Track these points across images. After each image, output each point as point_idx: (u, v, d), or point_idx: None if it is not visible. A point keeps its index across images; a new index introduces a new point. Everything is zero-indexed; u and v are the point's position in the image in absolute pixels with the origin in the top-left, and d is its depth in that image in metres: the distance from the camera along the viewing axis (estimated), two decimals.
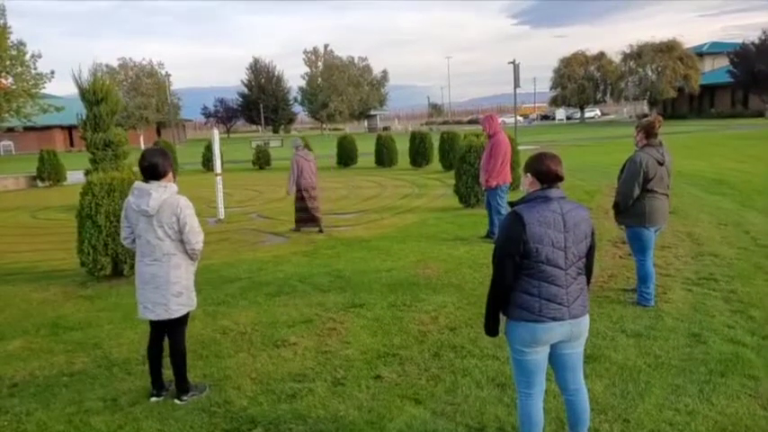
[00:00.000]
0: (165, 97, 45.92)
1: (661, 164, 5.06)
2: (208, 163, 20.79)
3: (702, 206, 9.97)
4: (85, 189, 6.84)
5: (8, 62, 32.49)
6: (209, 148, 19.87)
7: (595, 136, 34.65)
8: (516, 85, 21.07)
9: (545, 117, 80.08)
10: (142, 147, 43.87)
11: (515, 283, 2.75)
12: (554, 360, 2.89)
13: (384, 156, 20.86)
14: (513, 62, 21.31)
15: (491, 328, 2.88)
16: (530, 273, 2.72)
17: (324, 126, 71.28)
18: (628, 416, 3.45)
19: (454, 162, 13.01)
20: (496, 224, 8.12)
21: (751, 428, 3.30)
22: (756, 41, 46.51)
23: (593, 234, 2.86)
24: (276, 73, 75.62)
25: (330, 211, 11.75)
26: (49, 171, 20.02)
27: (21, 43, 33.10)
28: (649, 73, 56.00)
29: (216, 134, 11.53)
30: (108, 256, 6.76)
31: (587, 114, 67.97)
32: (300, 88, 72.52)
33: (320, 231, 9.45)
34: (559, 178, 2.79)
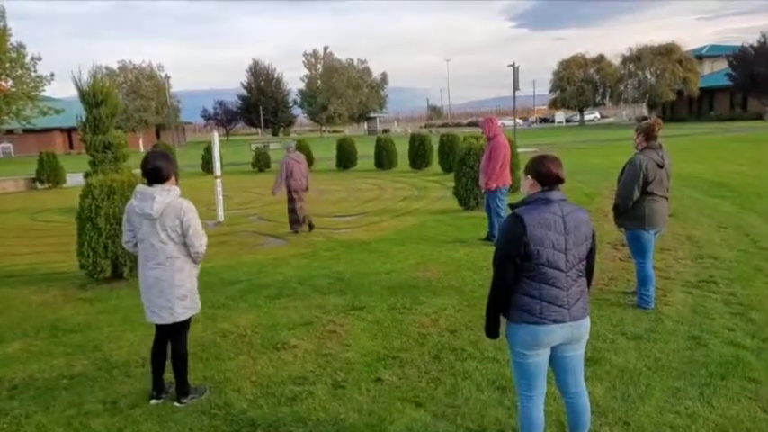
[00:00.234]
0: (165, 100, 45.94)
1: (661, 166, 5.07)
2: (207, 165, 20.80)
3: (702, 209, 9.98)
4: (85, 191, 6.84)
5: (8, 65, 32.50)
6: (208, 151, 19.89)
7: (595, 138, 34.68)
8: (516, 87, 21.09)
9: (544, 120, 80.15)
10: (141, 149, 44.02)
11: (516, 286, 2.75)
12: (555, 362, 2.89)
13: (383, 158, 20.87)
14: (513, 65, 21.34)
15: (492, 331, 2.88)
16: (530, 275, 2.72)
17: (323, 128, 71.28)
18: (628, 419, 3.45)
19: (454, 164, 13.02)
20: (496, 226, 8.12)
21: (751, 431, 3.30)
22: (755, 44, 46.58)
23: (593, 236, 2.87)
24: (276, 75, 75.68)
25: (330, 213, 11.76)
26: (48, 173, 20.02)
27: (21, 46, 33.13)
28: (648, 76, 56.05)
29: (216, 137, 11.53)
30: (108, 259, 6.75)
31: (586, 117, 68.02)
32: (300, 91, 72.54)
33: (310, 229, 9.63)
34: (560, 180, 2.79)
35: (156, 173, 3.68)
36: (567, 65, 63.45)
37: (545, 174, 2.78)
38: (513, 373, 2.96)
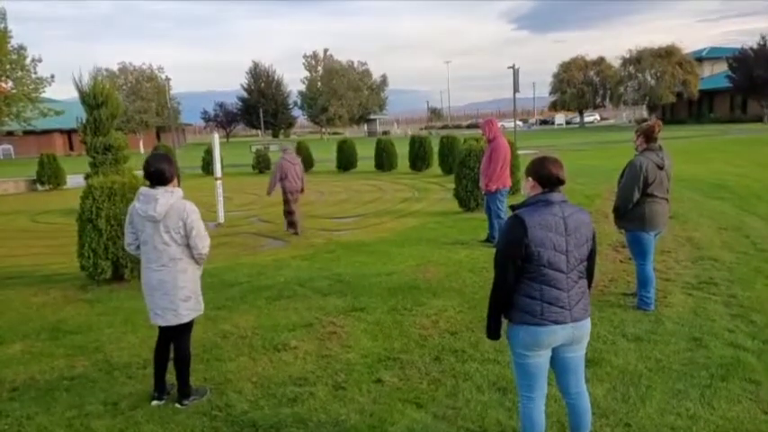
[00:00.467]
0: (165, 101, 46.00)
1: (661, 168, 5.08)
2: (208, 167, 20.80)
3: (702, 211, 9.98)
4: (86, 193, 6.84)
5: (8, 66, 32.51)
6: (208, 152, 19.89)
7: (594, 140, 34.70)
8: (516, 89, 21.10)
9: (544, 122, 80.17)
10: (142, 151, 44.02)
11: (517, 287, 2.75)
12: (556, 363, 2.90)
13: (384, 160, 20.87)
14: (513, 67, 21.35)
15: (493, 332, 2.89)
16: (531, 276, 2.72)
17: (323, 130, 71.32)
18: (629, 420, 3.45)
19: (454, 166, 13.03)
20: (496, 228, 8.12)
21: None
22: (755, 47, 46.60)
23: (594, 238, 2.87)
24: (276, 77, 75.70)
25: (330, 215, 11.76)
26: (49, 175, 20.01)
27: (21, 47, 33.13)
28: (648, 78, 56.05)
29: (216, 138, 11.53)
30: (108, 260, 6.75)
31: (586, 119, 68.06)
32: (300, 92, 72.57)
33: (296, 233, 9.63)
34: (561, 182, 2.80)
35: (158, 175, 3.69)
36: (567, 67, 63.49)
37: (546, 175, 2.79)
38: (514, 375, 2.96)
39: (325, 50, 72.52)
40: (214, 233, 9.70)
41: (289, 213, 9.75)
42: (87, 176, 7.83)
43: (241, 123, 78.58)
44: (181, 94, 63.54)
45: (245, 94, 75.05)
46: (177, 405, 3.85)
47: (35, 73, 33.75)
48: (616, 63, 60.09)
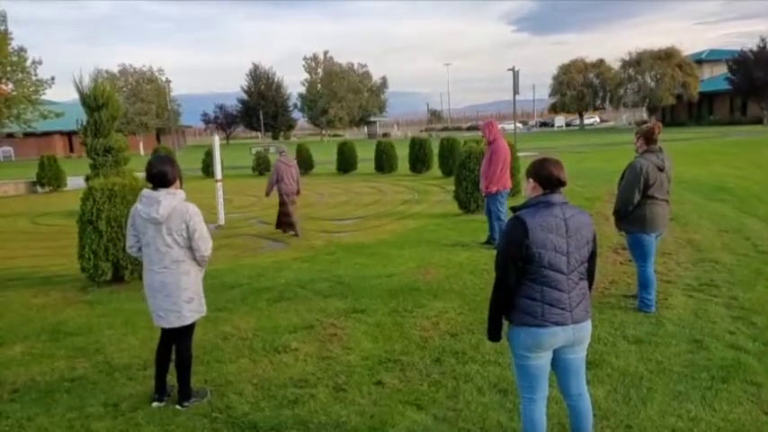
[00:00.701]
0: (165, 103, 46.02)
1: (661, 170, 5.08)
2: (208, 169, 20.80)
3: (702, 213, 9.98)
4: (86, 194, 6.84)
5: (9, 68, 32.54)
6: (208, 154, 19.89)
7: (594, 142, 34.71)
8: (516, 91, 21.12)
9: (544, 124, 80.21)
10: (142, 153, 44.02)
11: (518, 288, 2.76)
12: (557, 365, 2.90)
13: (384, 162, 20.89)
14: (513, 69, 21.36)
15: (494, 333, 2.88)
16: (532, 277, 2.72)
17: (323, 132, 71.35)
18: (630, 422, 3.45)
19: (454, 168, 13.03)
20: (496, 230, 8.13)
21: None
22: (755, 49, 46.66)
23: (594, 239, 2.87)
24: (276, 79, 75.73)
25: (330, 216, 11.77)
26: (49, 176, 20.01)
27: (21, 50, 33.17)
28: (648, 80, 56.12)
29: (216, 140, 11.54)
30: (109, 262, 6.75)
31: (586, 121, 68.11)
32: (300, 95, 72.63)
33: (295, 234, 9.68)
34: (561, 183, 2.80)
35: (161, 177, 3.69)
36: (566, 69, 63.55)
37: (546, 176, 2.79)
38: (515, 376, 2.96)
39: (326, 52, 72.64)
40: (214, 235, 9.66)
41: (285, 215, 9.80)
42: (88, 178, 7.83)
43: (241, 125, 78.60)
44: (181, 96, 63.61)
45: (245, 96, 75.09)
46: (178, 407, 3.85)
47: (35, 75, 33.79)
48: (616, 65, 60.20)
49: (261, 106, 69.75)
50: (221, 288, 6.63)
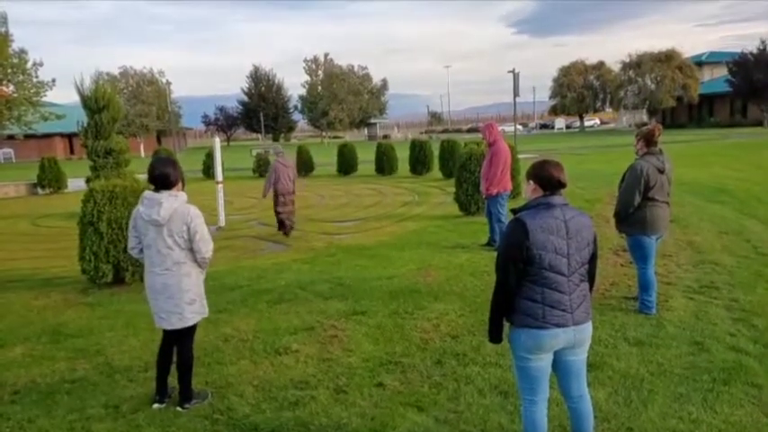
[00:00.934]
0: (166, 105, 46.02)
1: (661, 172, 5.08)
2: (208, 171, 20.81)
3: (703, 215, 9.98)
4: (87, 196, 6.85)
5: (9, 70, 32.56)
6: (209, 156, 19.91)
7: (595, 144, 34.73)
8: (516, 93, 21.14)
9: (544, 126, 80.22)
10: (142, 155, 44.05)
11: (519, 290, 2.76)
12: (558, 367, 2.90)
13: (384, 163, 20.90)
14: (513, 71, 21.39)
15: (494, 335, 2.88)
16: (533, 279, 2.73)
17: (324, 134, 71.38)
18: (631, 424, 3.45)
19: (454, 170, 13.03)
20: (497, 232, 8.13)
21: None
22: (755, 51, 46.68)
23: (595, 241, 2.87)
24: (276, 81, 75.78)
25: (330, 218, 11.77)
26: (49, 178, 20.02)
27: (22, 51, 33.20)
28: (648, 82, 56.14)
29: (217, 142, 11.55)
30: (109, 264, 6.75)
31: (587, 123, 68.13)
32: (300, 96, 72.69)
33: (285, 234, 9.80)
34: (562, 185, 2.80)
35: (163, 179, 3.69)
36: (567, 71, 63.58)
37: (547, 178, 2.79)
38: (517, 378, 2.96)
39: (326, 54, 72.71)
40: (215, 237, 9.67)
41: (279, 214, 9.87)
42: (88, 180, 7.84)
43: (241, 127, 78.66)
44: (182, 98, 63.60)
45: (245, 98, 75.14)
46: (179, 408, 3.85)
47: (36, 77, 33.81)
48: (616, 67, 60.23)
49: (261, 108, 69.80)
50: (222, 290, 6.63)
